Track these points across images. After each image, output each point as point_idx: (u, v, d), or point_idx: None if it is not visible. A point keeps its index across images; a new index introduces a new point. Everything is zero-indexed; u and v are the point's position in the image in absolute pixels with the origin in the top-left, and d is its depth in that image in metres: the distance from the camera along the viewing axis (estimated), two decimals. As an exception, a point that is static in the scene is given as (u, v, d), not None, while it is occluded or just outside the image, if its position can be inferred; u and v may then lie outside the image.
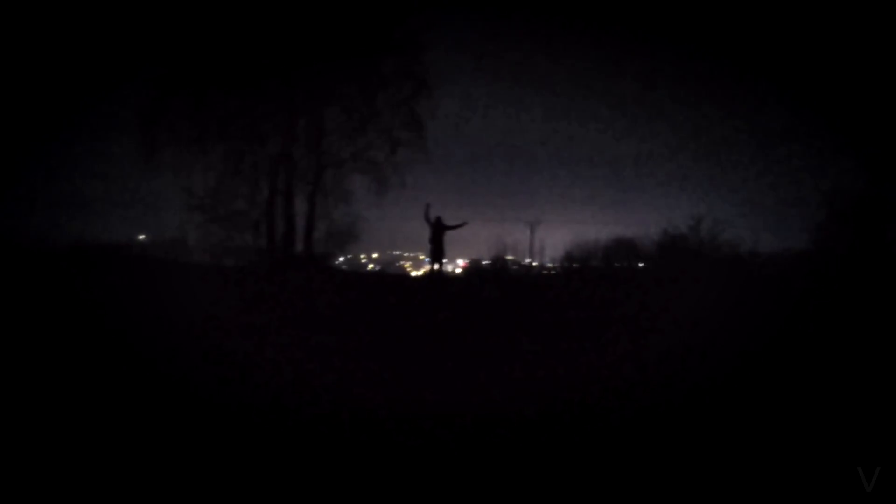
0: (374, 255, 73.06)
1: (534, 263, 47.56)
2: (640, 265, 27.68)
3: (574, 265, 31.32)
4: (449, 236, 17.43)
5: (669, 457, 3.53)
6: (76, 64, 26.42)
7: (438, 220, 17.27)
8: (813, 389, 5.15)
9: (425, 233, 17.40)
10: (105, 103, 28.08)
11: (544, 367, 5.82)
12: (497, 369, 5.71)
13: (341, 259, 37.36)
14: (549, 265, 40.70)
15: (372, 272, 46.11)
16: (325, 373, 5.40)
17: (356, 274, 27.93)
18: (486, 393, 4.85)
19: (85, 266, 15.03)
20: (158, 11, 23.33)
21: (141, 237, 31.00)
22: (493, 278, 22.52)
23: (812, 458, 3.47)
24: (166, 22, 23.48)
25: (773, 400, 4.77)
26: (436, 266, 17.88)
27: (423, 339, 7.36)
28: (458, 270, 47.58)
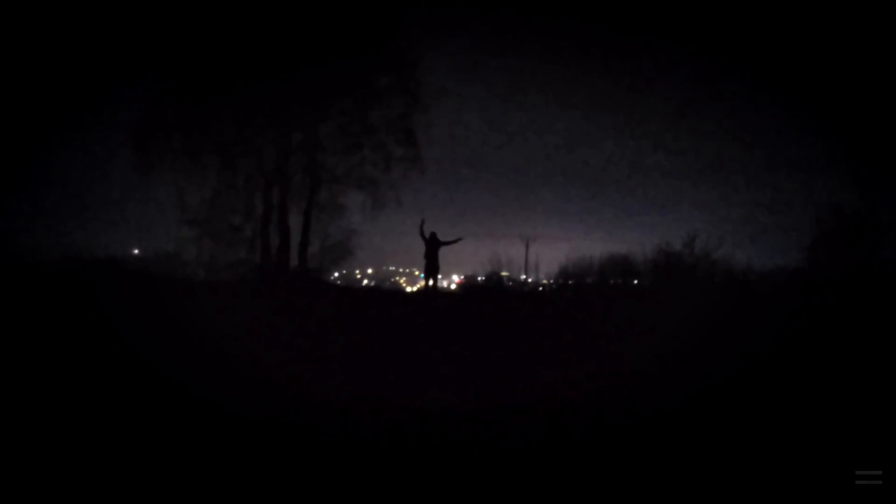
0: (369, 271, 73.00)
1: (529, 279, 47.63)
2: (635, 282, 27.75)
3: (569, 281, 31.37)
4: (444, 252, 17.43)
5: (663, 472, 3.50)
6: (71, 77, 26.47)
7: (433, 235, 17.28)
8: (809, 406, 5.13)
9: (420, 248, 17.41)
10: (99, 116, 28.09)
11: (537, 379, 5.79)
12: (491, 382, 5.67)
13: (336, 274, 37.27)
14: (545, 281, 40.75)
15: (366, 287, 45.98)
16: (322, 388, 5.36)
17: (350, 289, 27.83)
18: (481, 412, 4.81)
19: (79, 280, 14.94)
20: (153, 25, 23.41)
21: (135, 251, 30.82)
22: (488, 294, 22.51)
23: (811, 476, 3.45)
24: (162, 35, 23.55)
25: (770, 413, 4.75)
26: (430, 282, 17.82)
27: (416, 355, 7.32)
28: (454, 286, 47.56)
